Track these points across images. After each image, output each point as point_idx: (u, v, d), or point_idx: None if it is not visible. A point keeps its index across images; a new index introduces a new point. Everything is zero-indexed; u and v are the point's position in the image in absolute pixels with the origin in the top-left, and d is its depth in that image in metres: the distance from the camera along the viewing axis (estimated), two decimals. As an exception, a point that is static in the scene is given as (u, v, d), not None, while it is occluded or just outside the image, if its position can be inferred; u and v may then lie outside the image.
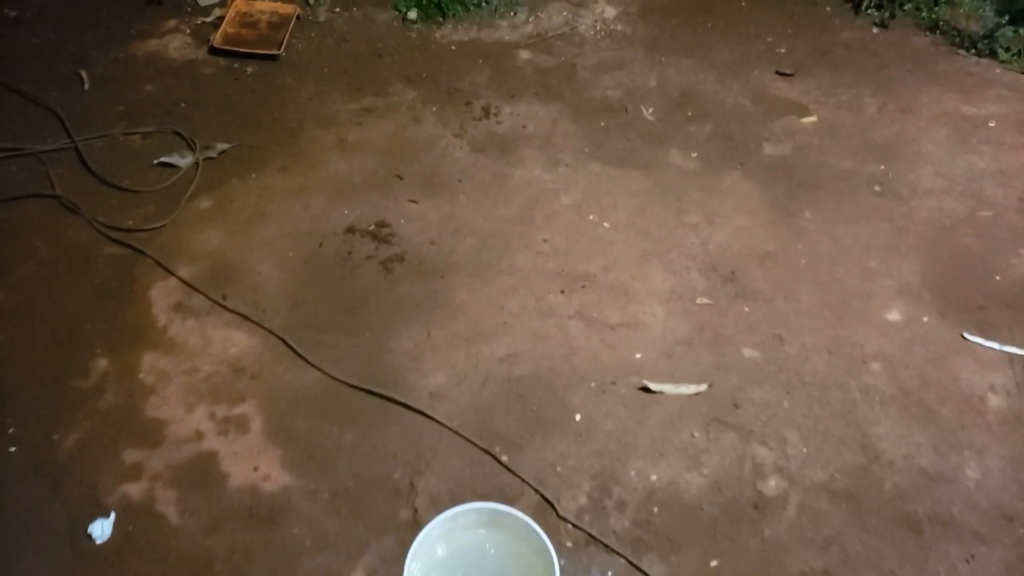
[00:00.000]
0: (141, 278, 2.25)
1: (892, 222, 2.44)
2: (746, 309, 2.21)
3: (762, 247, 2.37)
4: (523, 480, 1.81)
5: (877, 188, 2.54)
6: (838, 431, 1.93)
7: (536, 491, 1.79)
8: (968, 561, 1.69)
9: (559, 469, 1.84)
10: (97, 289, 2.22)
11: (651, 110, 2.80)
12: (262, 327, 2.12)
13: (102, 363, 2.04)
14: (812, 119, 2.77)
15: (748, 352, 2.10)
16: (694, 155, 2.64)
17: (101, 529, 1.72)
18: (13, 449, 1.86)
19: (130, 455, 1.85)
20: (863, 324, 2.17)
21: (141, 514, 1.75)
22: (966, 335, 2.14)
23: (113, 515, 1.74)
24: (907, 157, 2.63)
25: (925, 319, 2.18)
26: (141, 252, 2.31)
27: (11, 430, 1.89)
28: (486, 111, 2.77)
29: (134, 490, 1.79)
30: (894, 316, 2.19)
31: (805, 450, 1.89)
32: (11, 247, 2.32)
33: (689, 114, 2.79)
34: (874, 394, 2.01)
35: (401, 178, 2.54)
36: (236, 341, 2.10)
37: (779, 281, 2.28)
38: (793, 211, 2.47)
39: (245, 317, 2.15)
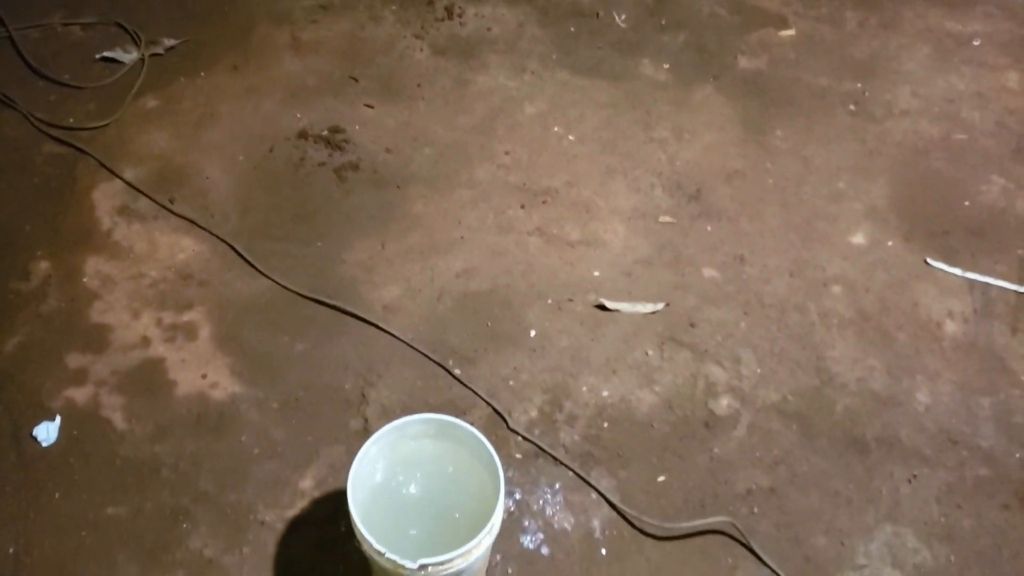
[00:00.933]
0: (83, 179, 2.15)
1: (864, 143, 2.40)
2: (709, 228, 2.17)
3: (730, 165, 2.32)
4: (475, 393, 1.80)
5: (852, 107, 2.47)
6: (794, 353, 1.93)
7: (488, 404, 1.78)
8: (910, 481, 1.72)
9: (511, 383, 1.83)
10: (37, 189, 2.12)
11: (623, 16, 2.68)
12: (211, 233, 2.05)
13: (43, 266, 1.97)
14: (790, 32, 2.67)
15: (708, 272, 2.08)
16: (666, 66, 2.54)
17: (47, 432, 1.69)
18: (-48, 352, 1.81)
19: (74, 360, 1.81)
20: (827, 247, 2.15)
21: (86, 419, 1.72)
22: (929, 260, 2.13)
23: (59, 419, 1.71)
24: (885, 76, 2.56)
25: (889, 243, 2.17)
26: (83, 151, 2.20)
27: (-51, 333, 1.83)
28: (449, 11, 2.63)
29: (79, 395, 1.75)
30: (858, 239, 2.18)
31: (759, 371, 1.90)
32: (-56, 143, 2.21)
33: (663, 22, 2.67)
34: (832, 317, 2.01)
35: (357, 81, 2.42)
36: (184, 247, 2.03)
37: (745, 201, 2.24)
38: (764, 129, 2.41)
39: (193, 222, 2.07)
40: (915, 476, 1.73)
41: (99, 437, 1.69)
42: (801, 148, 2.37)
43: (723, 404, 1.84)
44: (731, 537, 1.63)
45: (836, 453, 1.77)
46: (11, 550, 1.53)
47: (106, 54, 2.43)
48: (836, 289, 2.06)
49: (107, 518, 1.58)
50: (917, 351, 1.95)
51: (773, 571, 1.58)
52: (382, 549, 1.26)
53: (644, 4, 2.73)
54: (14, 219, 2.05)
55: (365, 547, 1.29)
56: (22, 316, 1.87)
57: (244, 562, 1.54)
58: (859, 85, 2.53)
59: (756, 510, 1.67)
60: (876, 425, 1.82)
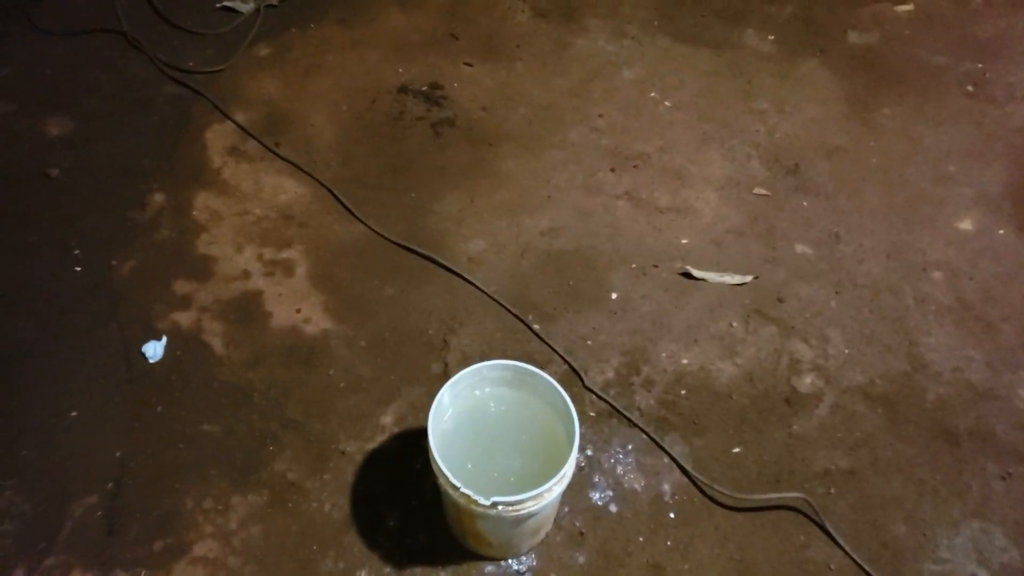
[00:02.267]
0: (198, 119, 2.27)
1: (980, 126, 2.28)
2: (805, 204, 2.12)
3: (831, 141, 2.25)
4: (552, 348, 1.82)
5: (970, 88, 2.35)
6: (885, 336, 1.87)
7: (564, 360, 1.81)
8: (1004, 479, 1.66)
9: (589, 343, 1.85)
10: (156, 126, 2.25)
11: (734, -14, 2.62)
12: (312, 177, 2.14)
13: (158, 198, 2.10)
14: (907, 7, 2.55)
15: (801, 248, 2.03)
16: (771, 37, 2.47)
17: (154, 350, 1.80)
18: (78, 269, 1.95)
19: (181, 286, 1.92)
20: (930, 230, 2.07)
21: (189, 342, 1.83)
22: (1041, 252, 2.02)
23: (165, 339, 1.83)
24: (1010, 56, 2.42)
25: (1000, 232, 2.06)
26: (199, 94, 2.32)
27: (76, 251, 1.98)
28: (555, -26, 2.63)
29: (184, 319, 1.87)
30: (966, 225, 2.08)
31: (847, 351, 1.85)
32: (79, 79, 2.36)
33: (773, -7, 2.60)
34: (930, 303, 1.93)
35: (457, 38, 2.45)
36: (287, 189, 2.12)
37: (845, 178, 2.17)
38: (871, 106, 2.32)
39: (296, 166, 2.16)
40: (1009, 474, 1.66)
41: (199, 359, 1.80)
42: (909, 128, 2.27)
43: (806, 382, 1.80)
44: (804, 515, 1.61)
45: (924, 442, 1.71)
46: (118, 454, 1.65)
47: (225, 3, 2.54)
48: (937, 275, 1.98)
49: (202, 434, 1.69)
50: (1023, 345, 1.86)
51: (846, 553, 1.55)
52: (457, 483, 1.31)
53: (754, -27, 2.65)
54: (134, 153, 2.19)
55: (441, 481, 1.34)
56: (137, 243, 2.00)
57: (324, 488, 1.62)
58: (980, 65, 2.40)
59: (833, 491, 1.64)
60: (970, 417, 1.75)
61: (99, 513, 1.57)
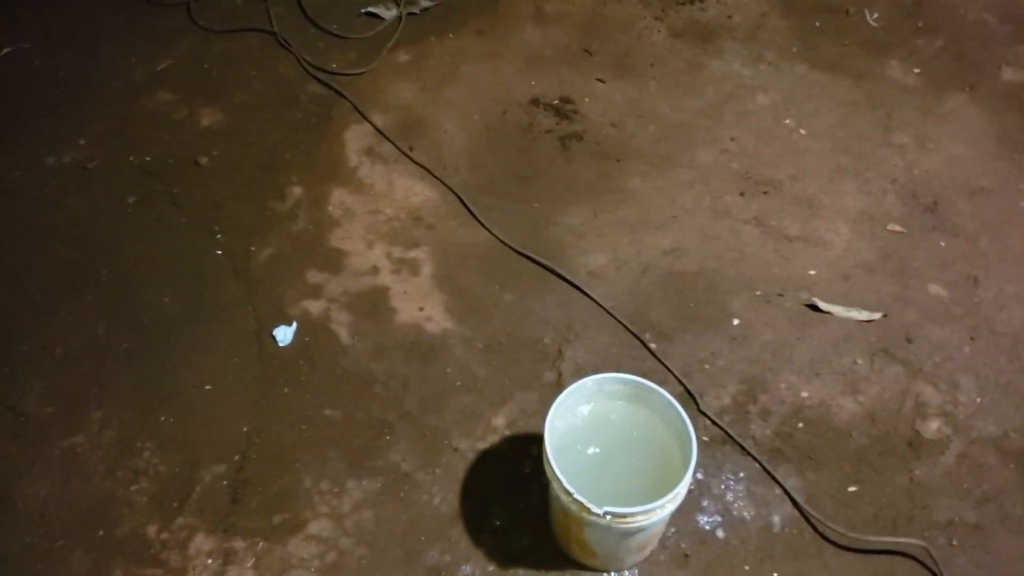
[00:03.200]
0: (338, 119, 2.38)
1: None
2: (942, 244, 2.03)
3: (976, 181, 2.15)
4: (668, 369, 1.81)
5: None
6: (1023, 388, 1.77)
7: (680, 382, 1.79)
8: None
9: (707, 367, 1.83)
10: (299, 123, 2.38)
11: (876, 15, 2.55)
12: (442, 182, 2.21)
13: (296, 191, 2.21)
14: (1071, 46, 2.42)
15: (935, 289, 1.95)
16: (916, 71, 2.39)
17: (284, 334, 1.90)
18: (219, 252, 2.08)
19: (313, 276, 2.02)
20: (1080, 281, 1.95)
21: (317, 329, 1.92)
22: None
23: (295, 324, 1.92)
24: None
25: None
26: (341, 95, 2.44)
27: (218, 236, 2.11)
28: (693, -5, 2.63)
29: (313, 307, 1.96)
30: (1121, 279, 1.95)
31: (979, 400, 1.76)
32: (231, 74, 2.52)
33: (920, 24, 2.51)
34: (1075, 357, 1.82)
35: (591, 55, 2.49)
36: (417, 191, 2.20)
37: (988, 220, 2.07)
38: (1022, 146, 2.20)
39: (427, 171, 2.24)
40: None
41: (326, 346, 1.89)
42: (1064, 172, 2.15)
43: (932, 427, 1.73)
44: (922, 564, 1.54)
45: (1059, 504, 1.61)
46: (244, 429, 1.75)
47: (370, 9, 2.66)
48: (1085, 328, 1.86)
49: (324, 418, 1.77)
50: None
51: (966, 609, 1.47)
52: (571, 489, 1.32)
53: (901, 4, 2.57)
54: (277, 147, 2.32)
55: (554, 484, 1.36)
56: (275, 231, 2.12)
57: (435, 481, 1.66)
58: None
59: (955, 543, 1.56)
60: (1114, 483, 1.63)
61: (225, 482, 1.67)
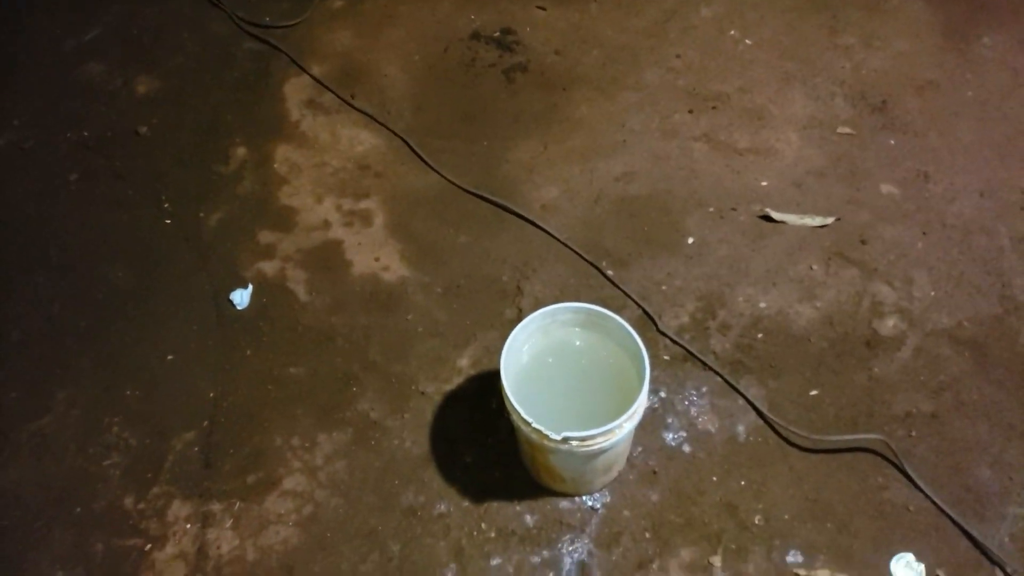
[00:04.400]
0: (276, 73, 2.32)
1: (1089, 54, 2.12)
2: (892, 142, 2.03)
3: (923, 75, 2.13)
4: (626, 294, 1.82)
5: (1079, 13, 2.18)
6: (975, 278, 1.80)
7: (638, 305, 1.80)
8: (1102, 424, 1.58)
9: (664, 288, 1.84)
10: (237, 82, 2.32)
11: (818, -87, 2.48)
12: (387, 128, 2.17)
13: (241, 151, 2.17)
14: (1014, -73, 2.36)
15: (886, 188, 1.95)
16: (861, -33, 2.34)
17: (241, 298, 1.89)
18: (168, 222, 2.05)
19: (265, 236, 2.00)
20: (1028, 167, 1.95)
21: (274, 289, 1.91)
22: None
23: (251, 287, 1.91)
24: None
25: (1106, 167, 1.93)
26: (277, 48, 2.37)
27: (166, 205, 2.08)
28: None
29: (268, 268, 1.95)
30: (1068, 161, 1.95)
31: (933, 293, 1.78)
32: (163, 37, 2.45)
33: (862, -81, 2.45)
34: (1026, 243, 1.84)
35: (531, -18, 2.42)
36: (363, 140, 2.17)
37: (936, 114, 2.06)
38: (969, 36, 2.18)
39: (371, 117, 2.20)
40: (1107, 418, 1.59)
41: (284, 305, 1.88)
42: (1012, 58, 2.13)
43: (889, 324, 1.75)
44: (883, 457, 1.58)
45: (1014, 386, 1.65)
46: (211, 395, 1.76)
47: (298, -43, 2.57)
48: (1035, 214, 1.88)
49: (289, 376, 1.77)
50: None
51: (926, 495, 1.52)
52: (529, 419, 1.34)
53: (841, -102, 2.50)
54: (217, 108, 2.27)
55: (514, 417, 1.38)
56: (223, 195, 2.09)
57: (405, 426, 1.68)
58: (1092, -13, 2.22)
59: (914, 433, 1.60)
60: (1066, 361, 1.67)
61: (196, 448, 1.68)
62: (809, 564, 1.47)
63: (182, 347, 1.83)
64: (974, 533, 1.47)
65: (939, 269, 1.82)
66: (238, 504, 1.60)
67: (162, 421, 1.72)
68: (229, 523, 1.58)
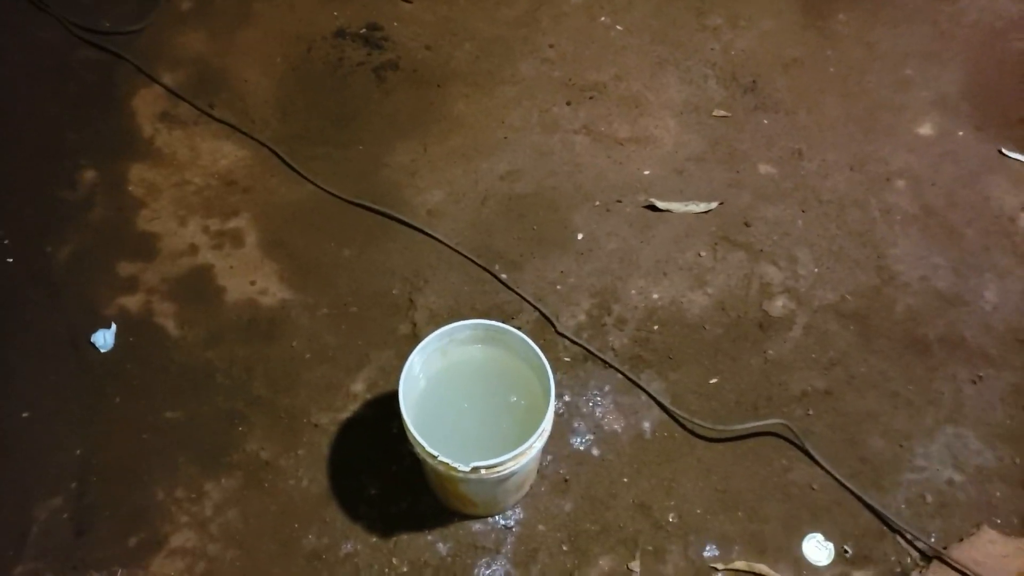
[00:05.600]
0: (122, 84, 2.11)
1: (936, 25, 2.22)
2: (765, 122, 2.06)
3: (788, 53, 2.18)
4: (522, 297, 1.77)
5: (924, -14, 2.28)
6: (853, 251, 1.86)
7: (535, 308, 1.76)
8: (975, 382, 1.67)
9: (559, 287, 1.80)
10: (76, 96, 2.09)
11: None
12: (252, 138, 2.02)
13: (89, 175, 1.96)
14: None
15: (764, 168, 1.99)
16: (722, -52, 2.36)
17: (104, 339, 1.72)
18: (10, 260, 1.83)
19: (125, 268, 1.82)
20: (891, 139, 2.03)
21: (141, 326, 1.74)
22: (1004, 151, 2.00)
23: (114, 326, 1.74)
24: (962, -50, 2.35)
25: (960, 133, 2.04)
26: (120, 56, 2.16)
27: (5, 241, 1.85)
28: None
29: (132, 303, 1.77)
30: (926, 130, 2.05)
31: (816, 270, 1.83)
32: (-20, 51, 2.18)
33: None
34: (895, 213, 1.91)
35: (394, -26, 2.31)
36: (226, 153, 2.00)
37: (803, 91, 2.11)
38: (825, 13, 2.24)
39: (234, 127, 2.04)
40: (980, 377, 1.68)
41: (154, 343, 1.72)
42: (866, 33, 2.21)
43: (778, 305, 1.78)
44: (785, 439, 1.61)
45: (896, 354, 1.71)
46: (78, 452, 1.58)
47: (134, -47, 2.34)
48: (900, 183, 1.96)
49: (166, 421, 1.62)
50: (986, 248, 1.86)
51: (827, 472, 1.56)
52: (434, 452, 1.27)
53: None
54: (56, 127, 2.04)
55: (417, 450, 1.30)
56: (72, 225, 1.88)
57: (300, 464, 1.57)
58: (934, -39, 2.32)
59: (811, 412, 1.64)
60: (939, 325, 1.75)
61: (65, 515, 1.51)
62: (725, 556, 1.48)
63: (38, 402, 1.64)
64: (873, 504, 1.52)
65: (819, 245, 1.87)
66: (120, 572, 1.45)
67: (21, 489, 1.53)
68: (112, 595, 1.43)
